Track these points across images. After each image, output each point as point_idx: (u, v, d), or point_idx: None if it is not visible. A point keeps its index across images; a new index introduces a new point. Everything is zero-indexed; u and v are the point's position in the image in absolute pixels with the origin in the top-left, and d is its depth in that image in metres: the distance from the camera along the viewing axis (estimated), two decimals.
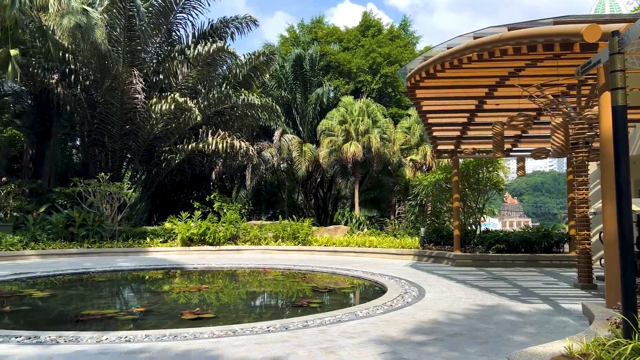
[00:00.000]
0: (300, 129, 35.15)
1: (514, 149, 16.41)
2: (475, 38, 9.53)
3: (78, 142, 33.98)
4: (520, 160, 15.91)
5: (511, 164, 39.90)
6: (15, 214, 21.98)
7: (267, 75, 34.32)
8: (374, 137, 28.75)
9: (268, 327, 7.00)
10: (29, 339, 6.19)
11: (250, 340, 6.29)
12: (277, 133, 31.68)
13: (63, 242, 19.93)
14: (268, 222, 24.88)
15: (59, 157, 31.56)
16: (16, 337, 6.22)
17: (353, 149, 28.25)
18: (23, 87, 28.25)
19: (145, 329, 7.02)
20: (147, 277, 14.81)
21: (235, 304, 10.71)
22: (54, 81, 25.14)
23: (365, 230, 25.44)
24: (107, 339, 6.27)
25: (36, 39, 24.23)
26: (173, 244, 21.63)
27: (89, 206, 21.66)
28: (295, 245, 21.65)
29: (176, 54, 26.86)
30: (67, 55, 24.38)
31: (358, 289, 12.79)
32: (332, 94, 36.97)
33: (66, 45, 23.05)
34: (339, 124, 29.85)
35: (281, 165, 34.96)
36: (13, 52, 18.64)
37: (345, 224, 27.89)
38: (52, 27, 21.37)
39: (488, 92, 12.51)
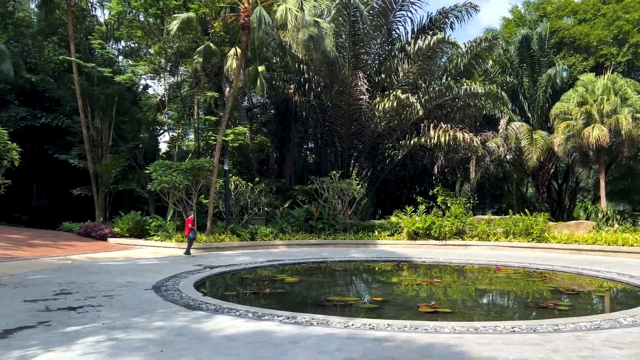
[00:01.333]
0: (529, 115, 32.29)
1: None
2: None
3: (311, 145, 37.58)
4: None
5: None
6: (266, 209, 25.45)
7: (490, 62, 32.47)
8: (623, 118, 24.57)
9: (513, 328, 6.50)
10: (288, 318, 6.96)
11: (495, 339, 5.91)
12: (502, 122, 29.70)
13: (304, 234, 22.27)
14: (496, 217, 23.49)
15: (296, 158, 35.40)
16: (278, 317, 7.07)
17: (596, 132, 24.61)
18: (267, 99, 32.53)
19: (385, 319, 7.23)
20: (378, 268, 15.43)
21: (469, 300, 10.31)
22: (291, 91, 28.33)
23: (616, 226, 21.92)
24: (353, 324, 6.64)
25: (276, 55, 27.58)
26: (399, 237, 22.15)
27: (324, 201, 23.69)
28: (528, 242, 19.92)
29: (396, 52, 27.44)
30: (301, 66, 27.18)
31: (612, 292, 11.03)
32: (565, 74, 32.98)
33: (300, 57, 25.68)
34: (577, 106, 26.38)
35: (507, 156, 32.69)
36: (260, 68, 21.60)
37: (587, 219, 24.53)
38: (289, 42, 24.04)
39: None
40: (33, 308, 7.47)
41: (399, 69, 27.22)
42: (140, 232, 21.16)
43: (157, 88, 34.04)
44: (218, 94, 25.51)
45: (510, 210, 23.71)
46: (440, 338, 5.98)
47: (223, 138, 21.55)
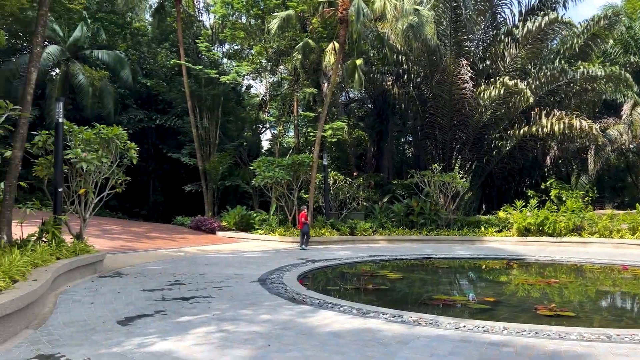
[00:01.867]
0: None
1: None
2: None
3: (410, 138, 36.72)
4: None
5: None
6: (364, 203, 25.27)
7: (610, 42, 29.36)
8: None
9: None
10: (394, 317, 6.67)
11: (635, 350, 5.16)
12: (626, 106, 26.78)
13: (404, 229, 21.75)
14: (621, 212, 21.18)
15: (394, 152, 34.79)
16: (384, 314, 6.81)
17: None
18: (364, 93, 32.29)
19: (500, 321, 6.66)
20: (486, 267, 14.56)
21: (593, 303, 9.29)
22: (389, 83, 27.82)
23: None
24: (464, 326, 6.19)
25: (374, 48, 27.22)
26: (508, 233, 20.80)
27: (425, 196, 22.96)
28: None
29: (502, 36, 25.78)
30: (400, 57, 26.55)
31: None
32: None
33: (399, 47, 25.07)
34: None
35: (630, 145, 29.41)
36: (358, 62, 21.42)
37: None
38: (387, 33, 23.57)
39: None
40: (150, 297, 7.93)
41: (506, 54, 25.53)
42: (245, 225, 22.03)
43: (259, 87, 35.19)
44: (316, 90, 25.78)
45: (638, 205, 21.25)
46: (566, 345, 5.34)
47: (322, 134, 21.72)
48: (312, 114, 26.02)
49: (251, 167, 21.52)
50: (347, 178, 24.47)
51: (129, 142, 12.14)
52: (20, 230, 9.86)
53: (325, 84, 25.07)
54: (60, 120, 10.72)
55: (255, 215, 22.36)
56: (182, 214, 26.51)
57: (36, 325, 6.01)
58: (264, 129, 36.99)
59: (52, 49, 26.55)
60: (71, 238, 11.01)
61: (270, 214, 22.49)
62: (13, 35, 25.13)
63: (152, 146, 31.25)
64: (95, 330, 5.80)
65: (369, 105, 33.60)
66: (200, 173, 26.38)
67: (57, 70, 28.25)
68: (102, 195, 11.88)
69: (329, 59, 20.87)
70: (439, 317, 6.60)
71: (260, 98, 33.57)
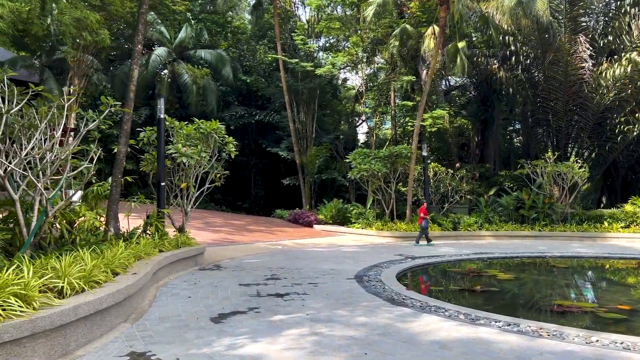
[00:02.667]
0: None
1: None
2: None
3: (517, 125, 34.10)
4: None
5: None
6: (468, 196, 23.80)
7: None
8: None
9: None
10: (509, 325, 5.82)
11: None
12: None
13: (514, 224, 20.05)
14: None
15: (500, 141, 32.49)
16: (496, 322, 5.97)
17: None
18: (467, 79, 30.47)
19: None
20: (613, 267, 12.82)
21: None
22: (495, 66, 25.88)
23: None
24: (597, 340, 5.19)
25: (477, 30, 25.48)
26: (637, 229, 18.34)
27: (537, 188, 21.03)
28: None
29: (627, 7, 22.77)
30: (506, 37, 24.57)
31: None
32: None
33: (505, 27, 23.14)
34: None
35: None
36: (460, 45, 20.05)
37: None
38: (492, 13, 21.84)
39: None
40: (245, 292, 7.77)
41: (632, 26, 22.52)
42: (341, 219, 21.72)
43: (355, 80, 34.80)
44: (415, 78, 24.67)
45: None
46: None
47: (420, 123, 20.68)
48: (410, 103, 24.97)
49: (347, 160, 21.14)
50: (449, 170, 23.18)
51: (227, 136, 12.25)
52: (127, 223, 10.29)
53: (424, 71, 23.90)
54: (162, 116, 11.03)
55: (351, 208, 21.97)
56: (281, 207, 26.90)
57: (134, 319, 6.02)
58: (360, 122, 36.48)
59: (160, 50, 28.18)
60: (174, 231, 11.33)
61: (367, 207, 21.97)
62: (127, 39, 26.98)
63: (253, 141, 32.11)
64: (189, 327, 5.66)
65: (472, 92, 31.66)
66: (297, 167, 26.56)
67: (165, 71, 29.96)
68: (202, 189, 12.11)
69: (428, 43, 19.76)
70: (563, 328, 5.64)
71: (356, 90, 33.10)
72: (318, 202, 26.61)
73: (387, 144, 25.94)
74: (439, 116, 23.01)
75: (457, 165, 26.53)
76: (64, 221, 7.78)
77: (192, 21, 29.48)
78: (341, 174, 26.91)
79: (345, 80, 35.13)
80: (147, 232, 10.22)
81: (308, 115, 27.40)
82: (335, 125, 31.13)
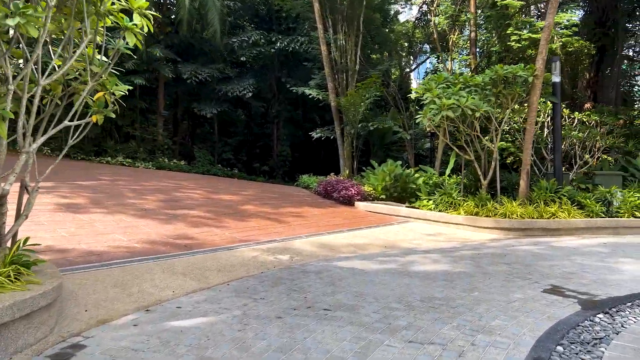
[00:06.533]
0: None
1: None
2: None
3: None
4: None
5: None
6: (605, 156, 14.98)
7: None
8: None
9: None
10: None
11: None
12: None
13: None
14: None
15: (620, 79, 22.96)
16: None
17: None
18: None
19: None
20: None
21: None
22: None
23: None
24: None
25: None
26: None
27: None
28: None
29: None
30: None
31: None
32: None
33: None
34: None
35: None
36: None
37: None
38: None
39: None
40: None
41: None
42: (400, 193, 13.52)
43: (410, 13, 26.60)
44: None
45: None
46: None
47: (548, 34, 11.68)
48: (517, 3, 15.76)
49: (412, 92, 12.38)
50: (576, 112, 14.36)
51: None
52: None
53: None
54: None
55: (418, 176, 13.71)
56: (309, 172, 18.98)
57: None
58: (414, 65, 27.89)
59: None
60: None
61: (446, 174, 13.54)
62: None
63: (275, 80, 23.97)
64: None
65: (586, 5, 22.15)
66: (332, 112, 18.37)
67: None
68: (62, 123, 4.18)
69: None
70: None
71: (413, 22, 24.67)
72: (362, 167, 18.40)
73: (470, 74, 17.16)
74: (570, 24, 13.91)
75: (587, 105, 17.43)
76: None
77: None
78: (397, 123, 18.55)
79: (397, 13, 26.30)
80: None
81: (349, 37, 18.88)
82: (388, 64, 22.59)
